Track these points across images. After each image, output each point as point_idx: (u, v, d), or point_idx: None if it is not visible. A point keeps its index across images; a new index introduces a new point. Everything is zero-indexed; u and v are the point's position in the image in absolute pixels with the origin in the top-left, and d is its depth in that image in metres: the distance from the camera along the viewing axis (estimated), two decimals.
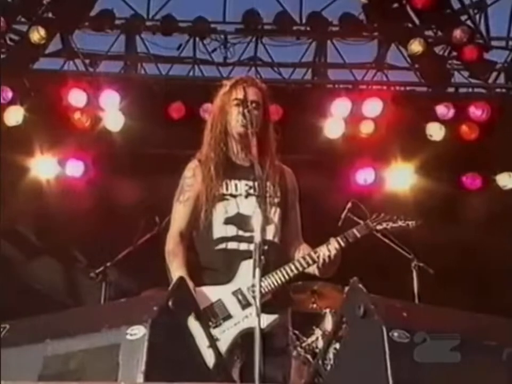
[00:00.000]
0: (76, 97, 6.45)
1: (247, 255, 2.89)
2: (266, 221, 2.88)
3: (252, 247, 2.56)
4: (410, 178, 6.80)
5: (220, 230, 3.03)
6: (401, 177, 6.83)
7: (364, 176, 6.88)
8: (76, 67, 6.87)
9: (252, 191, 3.01)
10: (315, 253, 3.00)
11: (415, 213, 3.23)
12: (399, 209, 3.15)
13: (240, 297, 2.93)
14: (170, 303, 2.24)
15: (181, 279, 2.44)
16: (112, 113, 6.55)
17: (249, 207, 2.99)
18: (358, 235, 3.04)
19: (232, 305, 2.93)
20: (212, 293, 2.94)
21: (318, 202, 6.18)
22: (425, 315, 2.49)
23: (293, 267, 2.98)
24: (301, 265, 2.99)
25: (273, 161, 3.16)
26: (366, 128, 6.73)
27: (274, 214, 3.08)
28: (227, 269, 2.98)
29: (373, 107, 6.64)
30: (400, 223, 3.10)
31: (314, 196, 6.26)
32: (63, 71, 6.83)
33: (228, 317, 2.91)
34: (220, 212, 3.04)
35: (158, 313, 2.18)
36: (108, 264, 5.18)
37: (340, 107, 6.66)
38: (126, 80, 6.81)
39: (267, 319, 2.78)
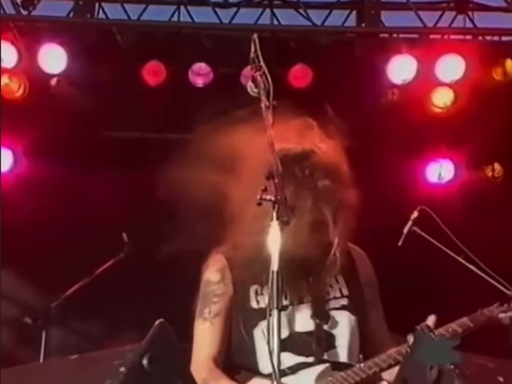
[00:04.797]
0: (3, 54, 6.50)
1: None
2: (332, 340, 3.04)
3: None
4: None
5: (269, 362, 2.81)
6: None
7: (437, 170, 6.94)
8: (1, 9, 6.91)
9: None
10: (399, 354, 3.01)
11: None
12: None
13: None
14: (145, 362, 2.26)
15: (161, 324, 2.45)
16: (57, 77, 6.59)
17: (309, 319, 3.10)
18: (471, 324, 3.21)
19: None
20: None
21: (366, 210, 6.16)
22: None
23: (361, 373, 3.00)
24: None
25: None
26: (441, 98, 6.75)
27: (345, 326, 3.13)
28: None
29: (450, 67, 6.66)
30: None
31: (358, 199, 6.25)
32: None
33: None
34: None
35: (126, 377, 2.19)
36: (52, 304, 5.21)
37: (401, 67, 6.68)
38: (77, 29, 6.85)
39: None
